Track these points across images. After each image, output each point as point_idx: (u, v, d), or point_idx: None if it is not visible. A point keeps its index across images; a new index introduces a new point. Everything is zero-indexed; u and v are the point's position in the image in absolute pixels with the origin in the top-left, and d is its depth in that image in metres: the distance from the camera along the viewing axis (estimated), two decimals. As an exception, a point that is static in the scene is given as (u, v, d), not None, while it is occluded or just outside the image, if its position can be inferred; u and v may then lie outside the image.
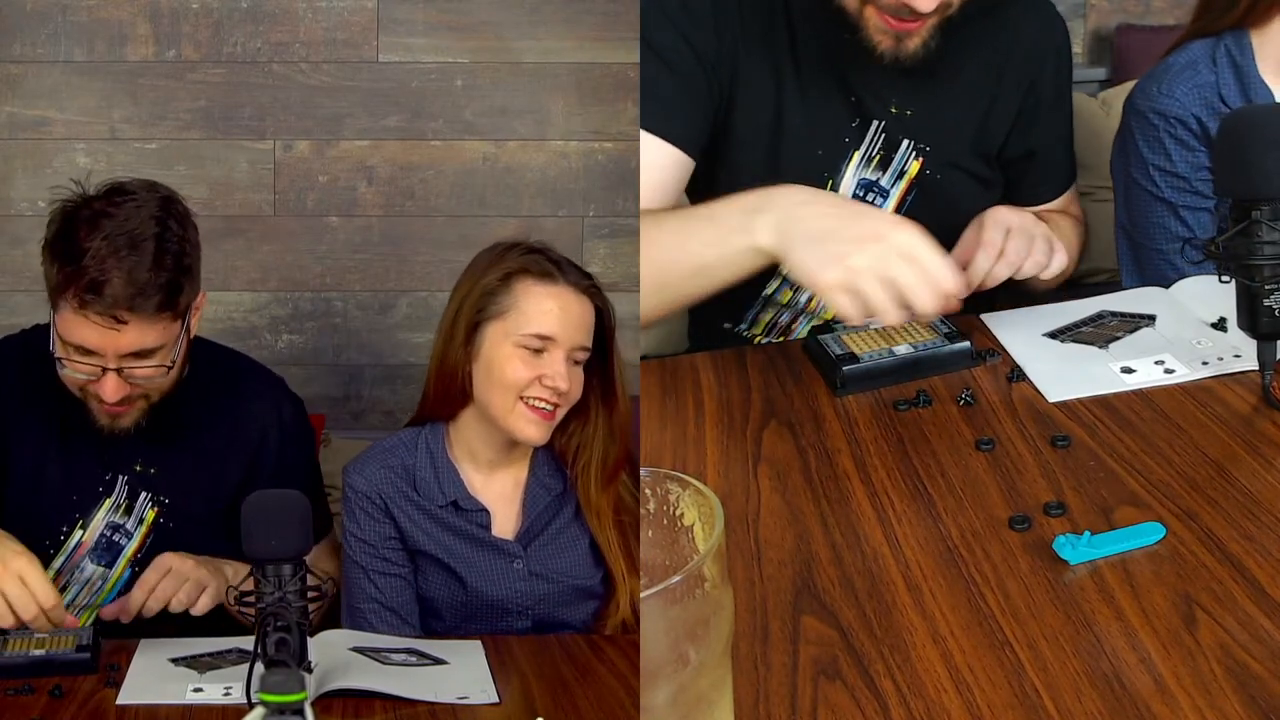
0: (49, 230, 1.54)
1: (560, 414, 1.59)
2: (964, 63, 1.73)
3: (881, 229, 1.44)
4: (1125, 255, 1.92)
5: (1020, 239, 1.57)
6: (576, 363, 1.59)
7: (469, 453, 1.64)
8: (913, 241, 1.42)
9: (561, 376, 1.56)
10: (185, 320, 1.55)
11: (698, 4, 1.69)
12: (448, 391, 1.62)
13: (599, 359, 1.62)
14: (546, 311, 1.57)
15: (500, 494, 1.64)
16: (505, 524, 1.64)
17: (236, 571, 1.52)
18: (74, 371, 1.53)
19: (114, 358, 1.51)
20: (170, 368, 1.55)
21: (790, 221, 1.47)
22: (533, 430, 1.57)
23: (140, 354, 1.52)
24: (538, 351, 1.56)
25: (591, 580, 1.62)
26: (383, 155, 2.34)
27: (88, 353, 1.51)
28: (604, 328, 1.62)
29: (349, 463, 1.65)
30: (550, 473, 1.65)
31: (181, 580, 1.49)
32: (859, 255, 1.41)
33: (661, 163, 1.68)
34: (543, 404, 1.57)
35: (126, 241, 1.49)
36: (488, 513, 1.63)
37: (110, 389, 1.52)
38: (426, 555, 1.61)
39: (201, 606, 1.49)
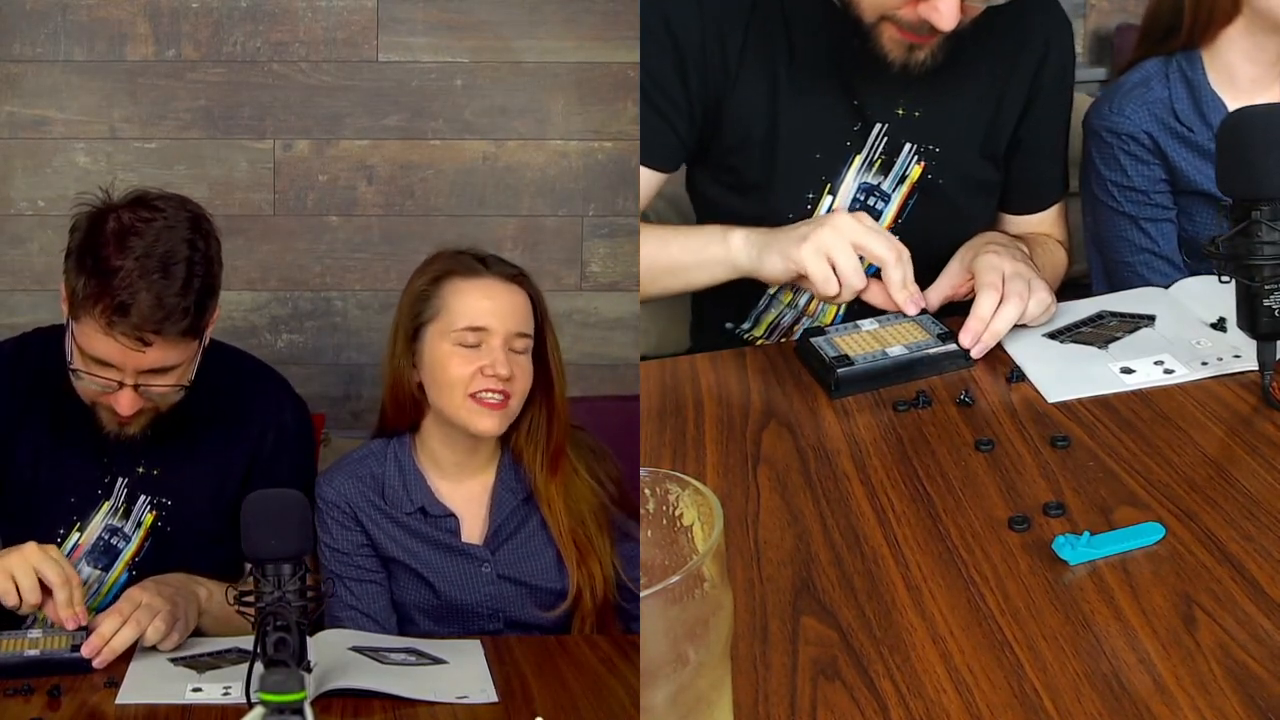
0: (73, 238, 1.52)
1: (514, 405, 1.60)
2: (975, 60, 1.73)
3: (825, 215, 1.64)
4: (1095, 266, 1.96)
5: (1018, 282, 1.58)
6: (518, 352, 1.60)
7: (434, 460, 1.65)
8: (857, 218, 1.59)
9: (501, 363, 1.57)
10: (202, 337, 1.55)
11: (683, 23, 1.70)
12: (399, 403, 1.64)
13: (536, 348, 1.63)
14: (476, 303, 1.60)
15: (468, 499, 1.65)
16: (473, 528, 1.64)
17: (211, 594, 1.52)
18: (90, 384, 1.52)
19: (132, 374, 1.50)
20: (187, 387, 1.55)
21: (760, 234, 1.65)
22: (485, 422, 1.58)
23: (159, 371, 1.51)
24: (474, 345, 1.58)
25: (562, 582, 1.62)
26: (383, 155, 2.34)
27: (105, 365, 1.50)
28: (539, 317, 1.64)
29: (320, 474, 1.66)
30: (517, 476, 1.65)
31: (154, 612, 1.45)
32: (821, 230, 1.58)
33: (646, 184, 1.79)
34: (491, 395, 1.57)
35: (159, 264, 1.47)
36: (455, 518, 1.64)
37: (126, 404, 1.51)
38: (397, 562, 1.62)
39: (170, 644, 1.46)
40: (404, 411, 1.65)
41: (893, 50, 1.63)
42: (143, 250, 1.47)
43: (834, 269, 1.57)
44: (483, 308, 1.59)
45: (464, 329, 1.58)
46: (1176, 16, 1.84)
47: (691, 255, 1.70)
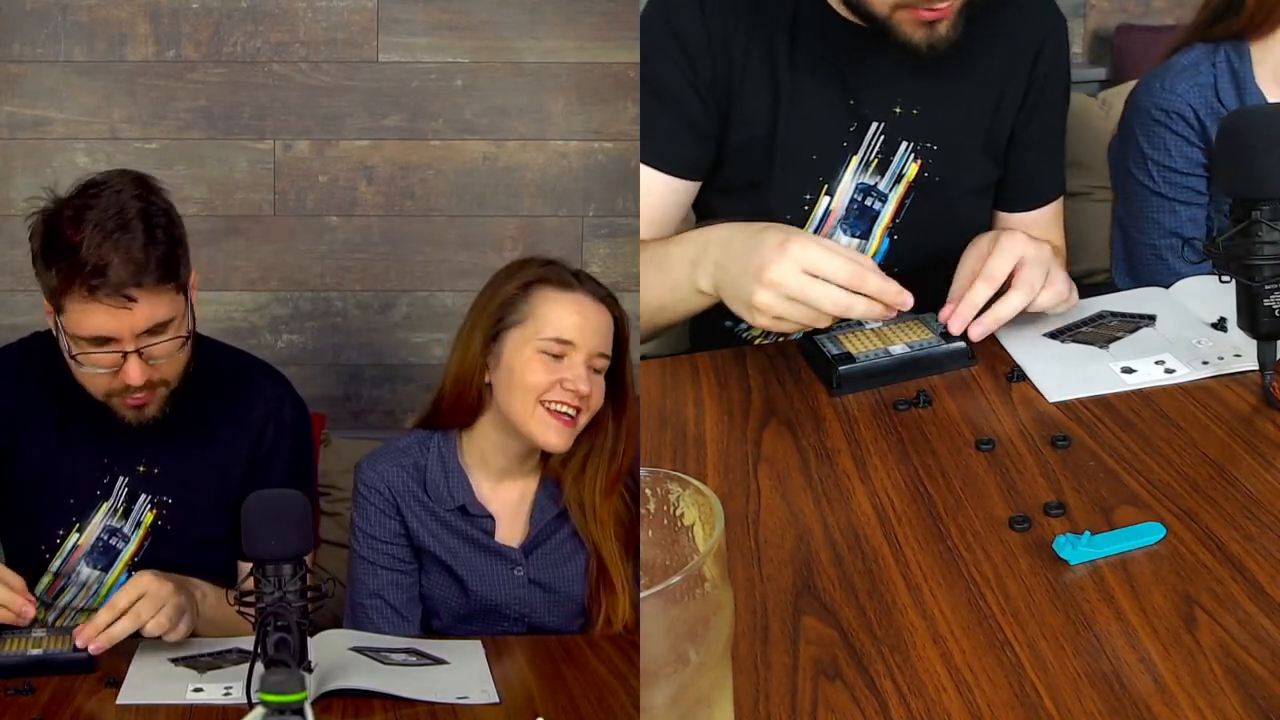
0: (35, 242, 1.55)
1: (583, 421, 1.60)
2: (973, 55, 1.72)
3: (766, 258, 1.44)
4: (1119, 250, 1.94)
5: (1034, 269, 1.54)
6: (597, 371, 1.61)
7: (481, 460, 1.65)
8: (801, 253, 1.43)
9: (582, 380, 1.58)
10: (187, 294, 1.57)
11: (688, 27, 1.69)
12: (461, 400, 1.64)
13: (612, 367, 1.64)
14: (566, 317, 1.60)
15: (507, 502, 1.66)
16: (509, 531, 1.65)
17: (205, 595, 1.52)
18: (94, 366, 1.52)
19: (131, 339, 1.51)
20: (187, 339, 1.56)
21: (718, 269, 1.53)
22: (553, 436, 1.58)
23: (154, 330, 1.52)
24: (558, 357, 1.59)
25: (586, 592, 1.63)
26: (383, 155, 2.34)
27: (104, 342, 1.51)
28: (619, 337, 1.65)
29: (361, 458, 1.66)
30: (560, 487, 1.65)
31: (159, 604, 1.45)
32: (760, 294, 1.44)
33: (660, 192, 1.72)
34: (564, 409, 1.58)
35: (116, 224, 1.50)
36: (493, 519, 1.64)
37: (135, 372, 1.52)
38: (430, 555, 1.63)
39: (179, 634, 1.46)
40: (464, 410, 1.65)
41: (914, 34, 1.60)
42: (97, 218, 1.50)
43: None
44: (572, 322, 1.60)
45: (551, 339, 1.59)
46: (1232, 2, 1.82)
47: (670, 294, 1.61)
